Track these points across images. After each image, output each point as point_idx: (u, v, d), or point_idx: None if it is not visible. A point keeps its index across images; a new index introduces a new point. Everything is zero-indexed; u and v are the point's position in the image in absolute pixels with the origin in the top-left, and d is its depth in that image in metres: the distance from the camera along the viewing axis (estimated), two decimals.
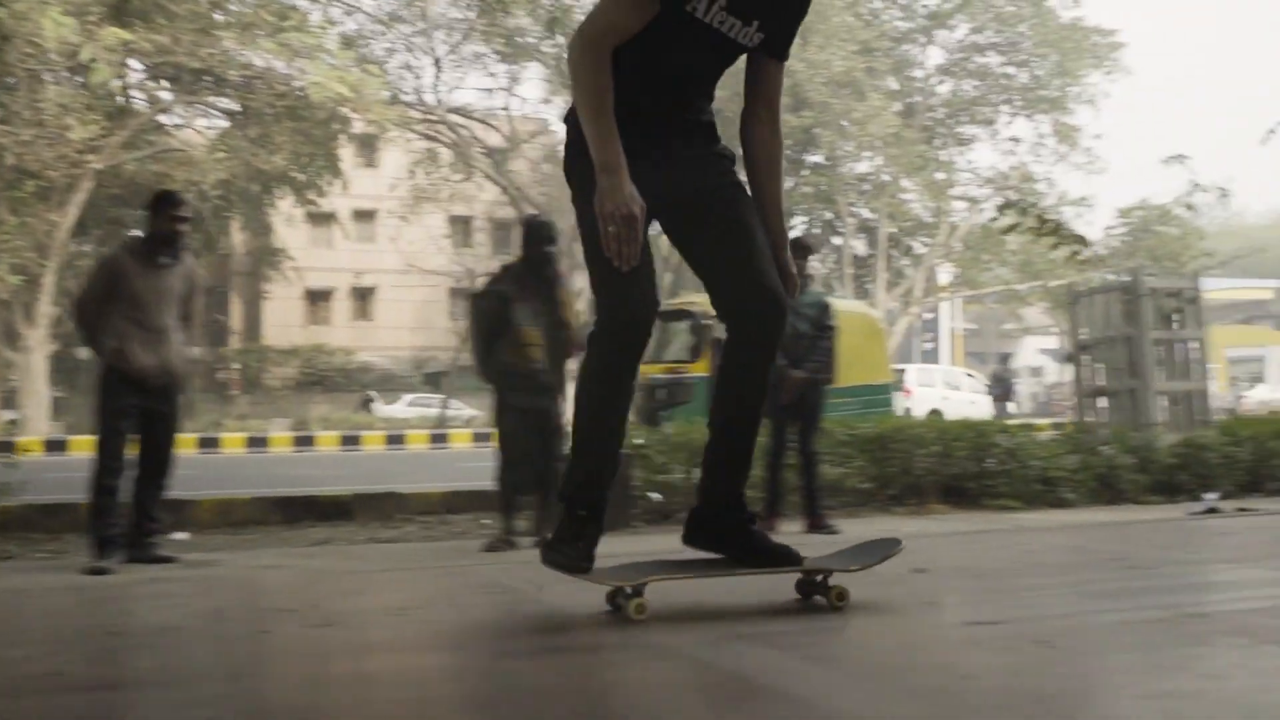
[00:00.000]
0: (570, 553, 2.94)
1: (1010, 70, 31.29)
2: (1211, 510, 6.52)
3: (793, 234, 7.77)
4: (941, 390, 26.11)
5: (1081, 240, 9.88)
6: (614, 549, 5.95)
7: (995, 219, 10.31)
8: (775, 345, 3.04)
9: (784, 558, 3.05)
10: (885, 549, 3.24)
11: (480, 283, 6.83)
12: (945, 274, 36.16)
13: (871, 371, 11.26)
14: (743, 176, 3.18)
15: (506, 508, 6.38)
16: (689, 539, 3.16)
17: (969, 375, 30.63)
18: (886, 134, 27.78)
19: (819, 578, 3.06)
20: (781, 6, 2.97)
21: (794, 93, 28.18)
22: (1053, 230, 9.75)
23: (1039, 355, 49.13)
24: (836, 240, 34.12)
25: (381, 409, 32.22)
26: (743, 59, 3.09)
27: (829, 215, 33.76)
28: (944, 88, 33.49)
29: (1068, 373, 46.02)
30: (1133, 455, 8.90)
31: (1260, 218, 65.08)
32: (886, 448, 8.13)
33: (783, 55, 3.07)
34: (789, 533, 6.75)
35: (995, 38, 31.51)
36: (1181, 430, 9.35)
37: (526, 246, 6.41)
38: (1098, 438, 9.22)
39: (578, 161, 2.96)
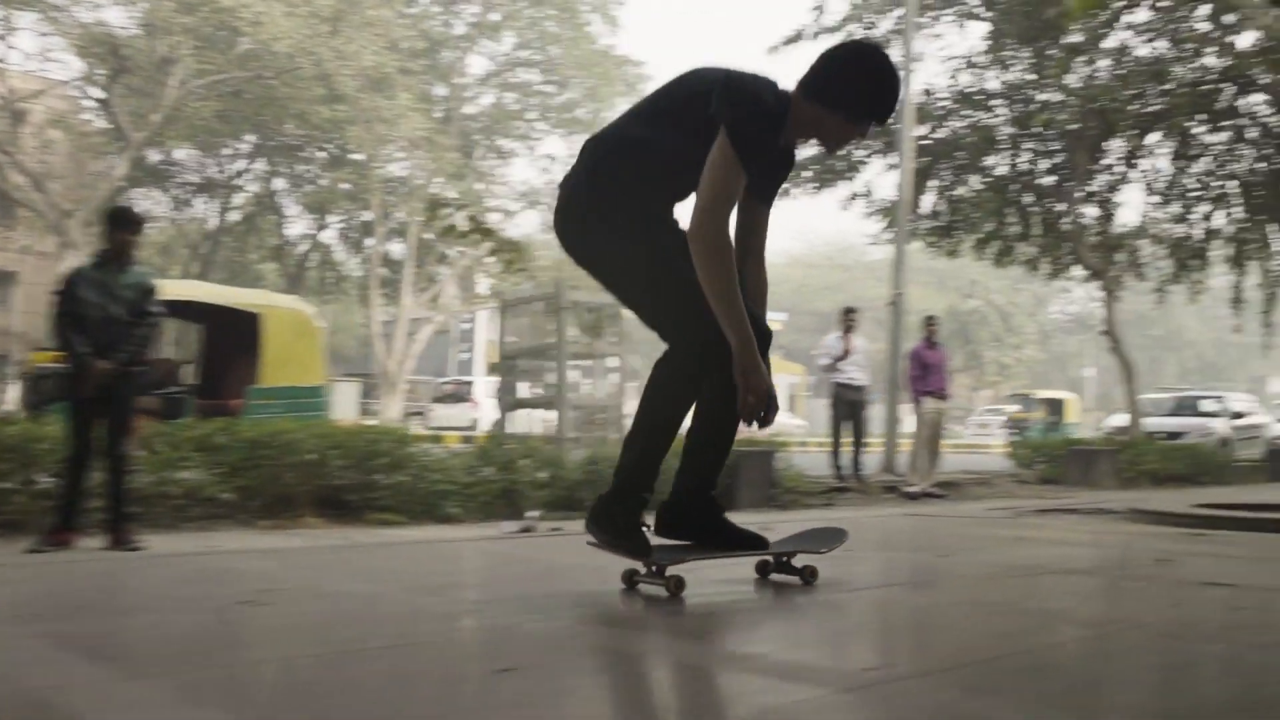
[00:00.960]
0: (640, 543, 3.32)
1: (549, 89, 31.79)
2: (527, 529, 6.28)
3: (116, 206, 6.86)
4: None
5: (516, 247, 9.62)
6: None
7: (430, 220, 9.92)
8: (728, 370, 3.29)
9: (756, 542, 3.52)
10: (838, 536, 3.76)
11: None
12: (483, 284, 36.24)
13: (301, 372, 10.45)
14: None
15: None
16: (665, 531, 3.46)
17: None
18: (417, 136, 27.23)
19: (784, 558, 3.61)
20: (776, 169, 3.52)
21: (328, 84, 27.04)
22: (486, 234, 9.43)
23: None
24: (370, 241, 33.20)
25: None
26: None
27: (369, 216, 32.75)
28: (487, 99, 33.57)
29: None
30: (545, 470, 8.70)
31: (776, 255, 71.29)
32: (255, 454, 7.34)
33: (769, 202, 3.56)
34: (88, 549, 5.80)
35: (538, 55, 31.94)
36: (595, 446, 9.27)
37: None
38: (512, 451, 8.95)
39: (617, 208, 3.28)
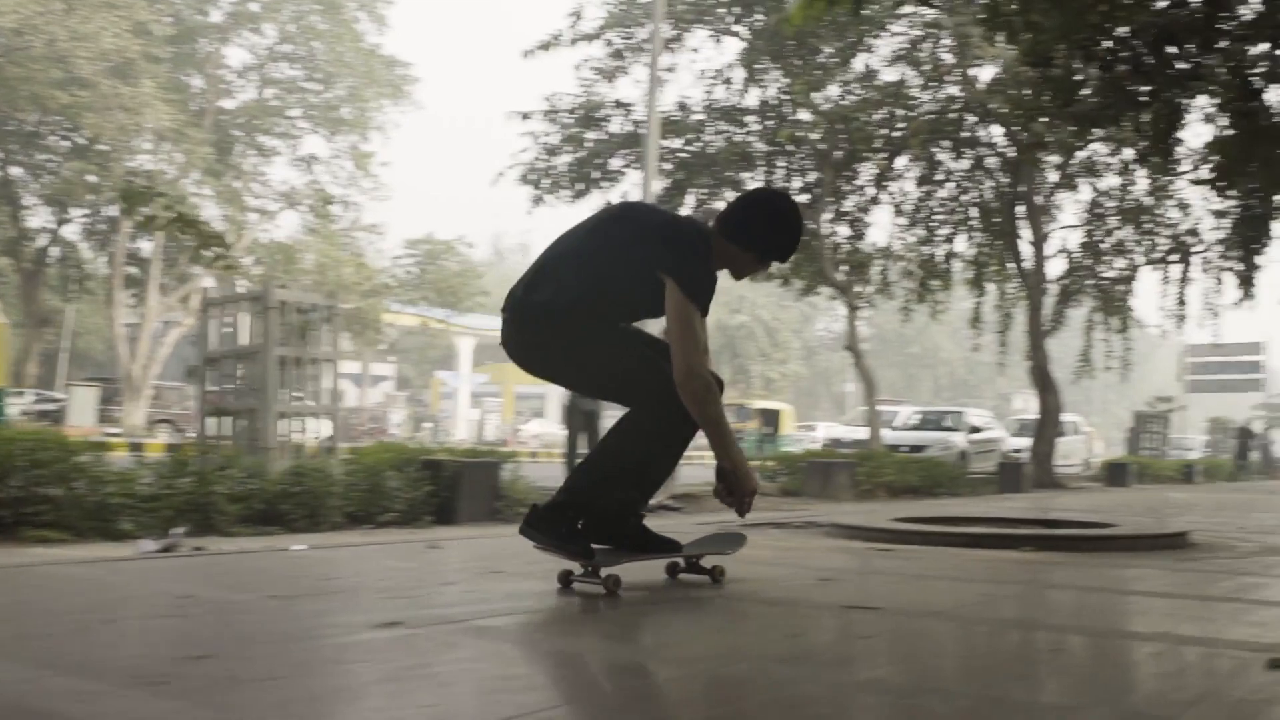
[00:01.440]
0: (583, 547, 3.68)
1: (312, 86, 30.60)
2: (168, 548, 5.71)
3: None
4: None
5: (221, 241, 8.93)
6: None
7: (125, 207, 9.16)
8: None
9: (671, 546, 3.94)
10: (738, 540, 4.29)
11: None
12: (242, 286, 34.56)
13: None
14: None
15: None
16: (590, 534, 3.74)
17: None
18: (165, 127, 25.67)
19: (695, 560, 4.01)
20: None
21: (65, 66, 25.19)
22: (188, 225, 8.71)
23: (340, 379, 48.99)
24: (116, 237, 31.19)
25: None
26: None
27: (115, 210, 30.74)
28: (247, 94, 32.06)
29: (370, 396, 46.50)
30: (246, 482, 8.06)
31: None
32: None
33: (704, 314, 3.81)
34: None
35: (301, 50, 30.70)
36: (303, 456, 8.68)
37: None
38: (209, 461, 8.27)
39: (589, 322, 3.71)
